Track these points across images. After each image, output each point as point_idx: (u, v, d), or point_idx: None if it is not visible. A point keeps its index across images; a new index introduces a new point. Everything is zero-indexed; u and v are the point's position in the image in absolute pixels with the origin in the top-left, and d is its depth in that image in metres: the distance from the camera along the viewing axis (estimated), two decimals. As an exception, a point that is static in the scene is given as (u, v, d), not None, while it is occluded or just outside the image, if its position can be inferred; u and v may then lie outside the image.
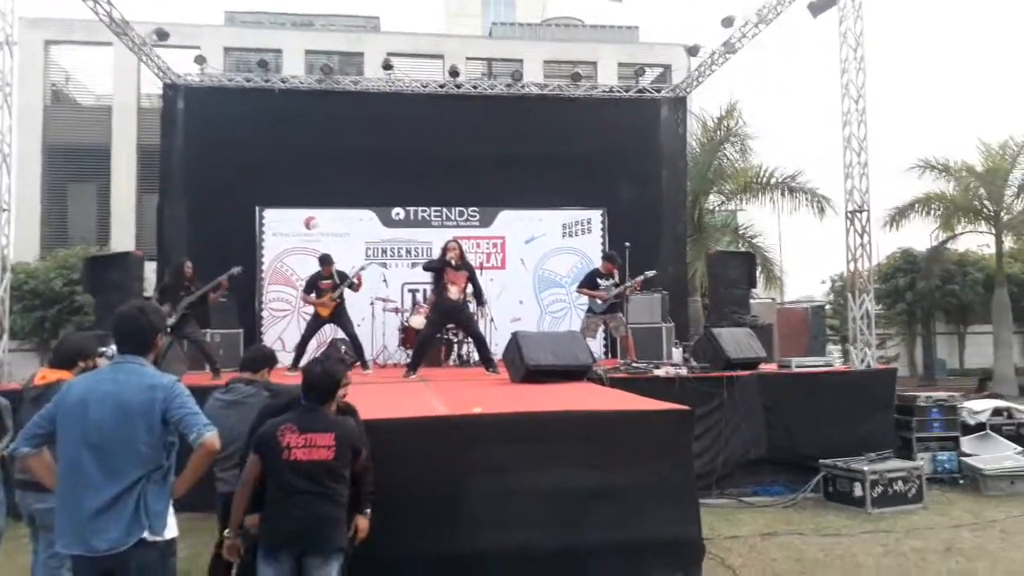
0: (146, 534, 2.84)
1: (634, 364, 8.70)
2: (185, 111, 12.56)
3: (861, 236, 9.62)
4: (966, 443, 8.54)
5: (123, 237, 19.81)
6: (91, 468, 2.84)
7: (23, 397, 4.15)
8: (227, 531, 3.54)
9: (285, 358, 9.54)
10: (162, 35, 11.72)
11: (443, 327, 9.69)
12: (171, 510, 3.00)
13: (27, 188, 18.27)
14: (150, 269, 12.28)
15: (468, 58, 22.31)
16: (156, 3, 19.98)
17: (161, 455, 2.94)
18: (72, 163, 21.20)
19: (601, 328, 9.87)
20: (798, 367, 8.67)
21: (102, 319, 10.60)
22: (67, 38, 20.93)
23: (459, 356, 11.01)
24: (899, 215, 18.56)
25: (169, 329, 7.65)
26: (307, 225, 12.20)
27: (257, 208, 12.07)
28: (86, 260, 12.48)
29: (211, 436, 2.91)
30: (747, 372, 8.20)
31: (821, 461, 7.68)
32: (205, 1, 28.50)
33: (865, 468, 7.26)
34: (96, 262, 11.70)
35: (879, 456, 7.63)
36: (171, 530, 2.97)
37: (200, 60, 12.84)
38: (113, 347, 5.13)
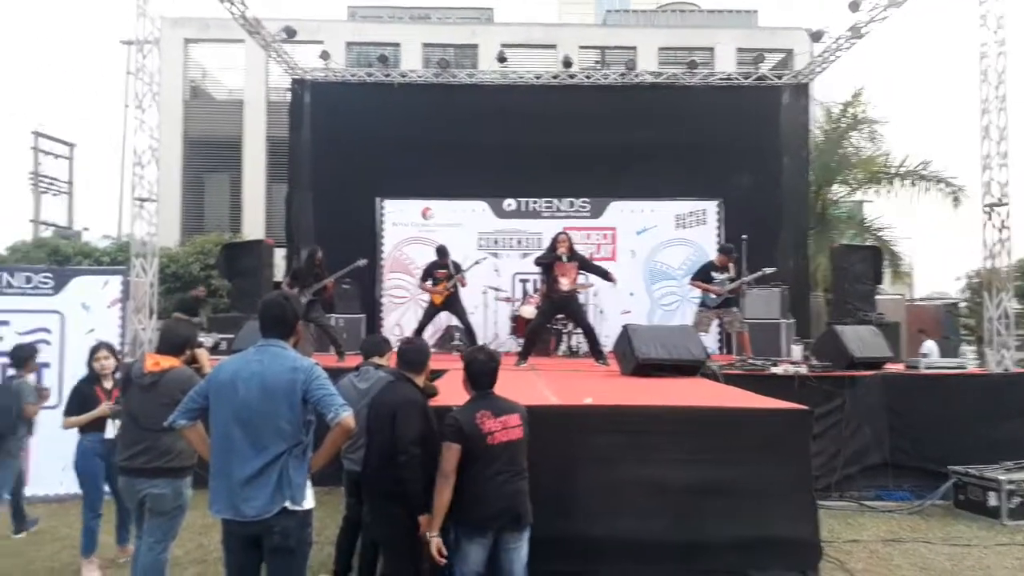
0: (288, 503, 3.10)
1: (750, 361, 8.51)
2: (311, 105, 13.19)
3: (1000, 231, 9.00)
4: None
5: (253, 224, 21.02)
6: (241, 441, 3.11)
7: (131, 380, 4.21)
8: (430, 532, 3.52)
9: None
10: (290, 33, 12.32)
11: (553, 317, 9.78)
12: (309, 483, 3.23)
13: (169, 178, 19.66)
14: (279, 256, 13.02)
15: (581, 47, 22.20)
16: (283, 0, 20.98)
17: (301, 432, 3.18)
18: (208, 155, 22.62)
19: (715, 323, 9.70)
20: (927, 368, 8.23)
21: (236, 302, 11.36)
22: (204, 36, 22.30)
23: (569, 347, 11.08)
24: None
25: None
26: (424, 215, 12.59)
27: (377, 199, 12.56)
28: (222, 247, 13.33)
29: (347, 416, 3.13)
30: (871, 372, 7.87)
31: (952, 468, 7.27)
32: (329, -3, 29.53)
33: (1001, 477, 6.83)
34: (231, 249, 12.49)
35: (1017, 465, 7.16)
36: (309, 501, 3.21)
37: (325, 56, 13.44)
38: (210, 339, 5.46)
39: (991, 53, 9.09)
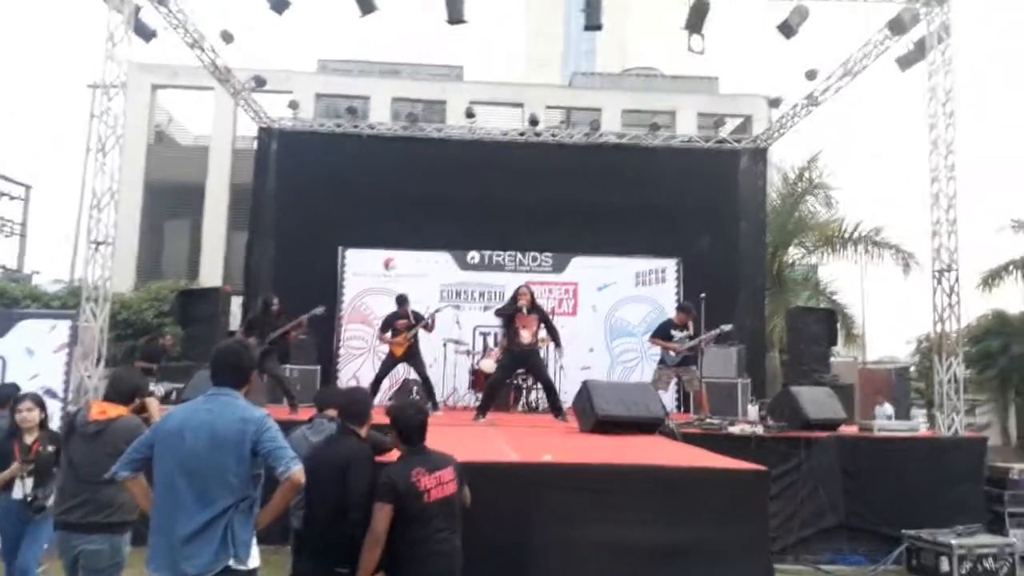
0: (232, 562, 2.96)
1: (708, 420, 8.54)
2: (277, 153, 13.18)
3: (950, 296, 9.27)
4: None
5: (212, 272, 20.69)
6: (185, 494, 2.98)
7: (75, 429, 4.04)
8: None
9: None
10: (260, 81, 12.38)
11: (513, 372, 9.71)
12: (254, 540, 3.11)
13: (127, 222, 19.31)
14: (236, 304, 12.80)
15: (548, 107, 22.70)
16: (254, 51, 21.10)
17: (249, 486, 3.06)
18: (169, 200, 22.36)
19: (674, 381, 9.74)
20: (880, 431, 8.34)
21: (189, 350, 11.08)
22: (172, 83, 22.27)
23: (527, 403, 10.99)
24: (992, 277, 17.77)
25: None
26: (386, 266, 12.52)
27: (340, 248, 12.47)
28: (177, 293, 13.08)
29: (297, 470, 3.03)
30: (826, 433, 7.94)
31: (905, 532, 7.32)
32: (299, 50, 29.91)
33: (953, 542, 6.89)
34: (186, 296, 12.27)
35: (967, 530, 7.23)
36: (254, 559, 3.08)
37: (293, 105, 13.51)
38: (161, 388, 5.27)
39: (940, 124, 9.48)
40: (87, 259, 8.73)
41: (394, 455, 4.04)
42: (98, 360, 8.55)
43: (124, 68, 9.26)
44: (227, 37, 11.08)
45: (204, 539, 2.94)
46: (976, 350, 19.54)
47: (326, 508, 3.58)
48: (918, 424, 9.55)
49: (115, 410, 4.03)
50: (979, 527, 7.38)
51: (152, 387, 5.18)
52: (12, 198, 22.09)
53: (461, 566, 3.60)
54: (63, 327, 7.37)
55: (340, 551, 3.52)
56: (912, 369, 20.46)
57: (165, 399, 5.79)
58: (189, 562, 2.92)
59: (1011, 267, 17.70)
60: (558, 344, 8.88)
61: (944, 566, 6.85)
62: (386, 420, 3.82)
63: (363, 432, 3.88)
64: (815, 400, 8.30)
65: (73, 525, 3.86)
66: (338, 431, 3.93)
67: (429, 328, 9.48)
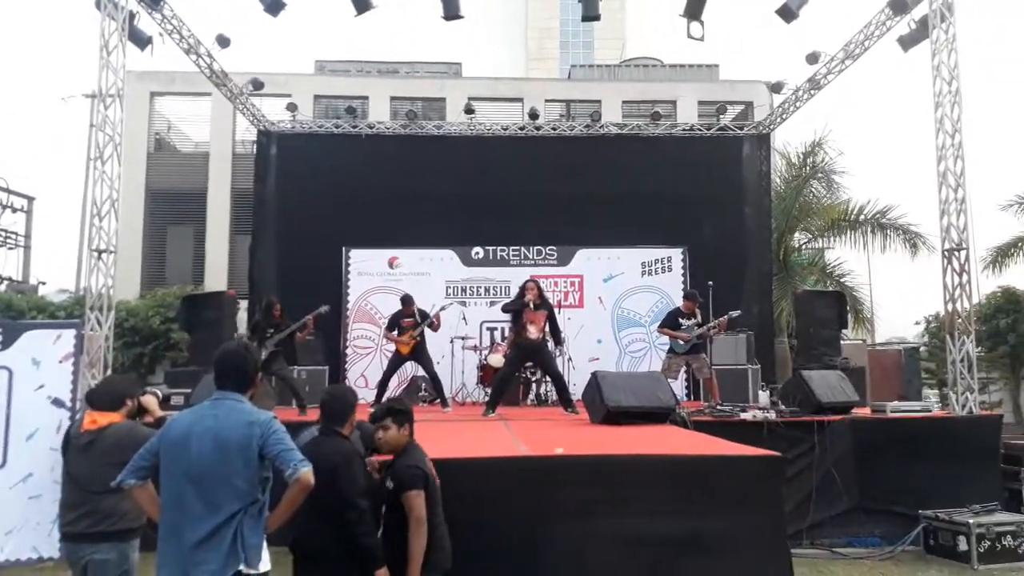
0: (242, 567, 2.93)
1: (719, 407, 8.49)
2: (277, 156, 13.14)
3: (960, 275, 9.17)
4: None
5: (216, 277, 20.68)
6: (192, 501, 2.95)
7: (69, 442, 4.03)
8: None
9: (368, 394, 9.74)
10: (257, 85, 12.32)
11: (522, 366, 9.70)
12: (265, 544, 3.07)
13: (130, 230, 19.34)
14: (242, 308, 12.78)
15: (547, 100, 22.55)
16: (250, 54, 21.02)
17: (257, 489, 3.03)
18: (171, 207, 22.37)
19: (683, 369, 9.69)
20: (893, 412, 8.28)
21: (196, 355, 11.06)
22: (170, 90, 22.26)
23: (537, 395, 10.97)
24: (1000, 255, 17.62)
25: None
26: (390, 265, 12.51)
27: (344, 248, 12.46)
28: (182, 299, 13.06)
29: (306, 472, 2.99)
30: (839, 417, 7.88)
31: (922, 512, 7.27)
32: (296, 51, 29.86)
33: (970, 521, 6.83)
34: (191, 301, 12.23)
35: (984, 508, 7.18)
36: (265, 563, 3.04)
37: (292, 108, 13.46)
38: (159, 391, 5.22)
39: (945, 103, 9.36)
40: (90, 268, 8.72)
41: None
42: (105, 368, 8.54)
43: (121, 76, 9.21)
44: (223, 41, 11.00)
45: (213, 545, 2.91)
46: (986, 328, 19.39)
47: (322, 513, 3.46)
48: (931, 405, 9.47)
49: (105, 418, 4.00)
50: (996, 505, 7.33)
51: (154, 389, 5.10)
52: (15, 210, 22.11)
53: None
54: (68, 336, 7.31)
55: (340, 554, 3.47)
56: (922, 349, 20.33)
57: (165, 402, 5.72)
58: (199, 568, 2.89)
59: (1020, 244, 17.54)
60: (558, 343, 8.88)
61: (962, 545, 6.81)
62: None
63: (346, 430, 3.83)
64: (826, 384, 8.24)
65: (80, 536, 3.84)
66: (321, 432, 3.84)
67: (435, 327, 9.46)
